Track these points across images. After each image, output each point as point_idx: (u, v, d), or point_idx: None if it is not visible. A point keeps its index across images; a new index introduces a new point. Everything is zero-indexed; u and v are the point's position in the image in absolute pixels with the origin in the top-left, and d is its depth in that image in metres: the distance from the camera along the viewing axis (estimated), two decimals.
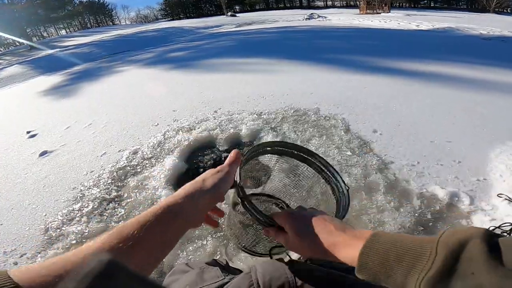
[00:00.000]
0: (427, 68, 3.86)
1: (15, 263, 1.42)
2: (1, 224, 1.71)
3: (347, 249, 0.34)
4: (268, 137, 2.18)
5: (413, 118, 2.42)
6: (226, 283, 0.48)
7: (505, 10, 28.09)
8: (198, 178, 0.45)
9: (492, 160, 1.83)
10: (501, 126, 2.22)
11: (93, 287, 0.17)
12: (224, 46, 6.98)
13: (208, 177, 0.45)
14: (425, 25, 9.62)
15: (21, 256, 1.45)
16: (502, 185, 1.61)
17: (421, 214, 1.46)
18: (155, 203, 1.68)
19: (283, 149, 0.58)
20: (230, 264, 0.72)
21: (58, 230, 1.58)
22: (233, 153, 0.49)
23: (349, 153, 1.98)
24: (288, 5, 47.25)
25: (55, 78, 6.17)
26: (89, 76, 5.68)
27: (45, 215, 1.72)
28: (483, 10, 26.02)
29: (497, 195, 1.53)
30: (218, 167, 0.47)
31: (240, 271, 0.62)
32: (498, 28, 8.66)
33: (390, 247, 0.30)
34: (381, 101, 2.80)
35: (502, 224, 1.32)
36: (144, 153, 2.18)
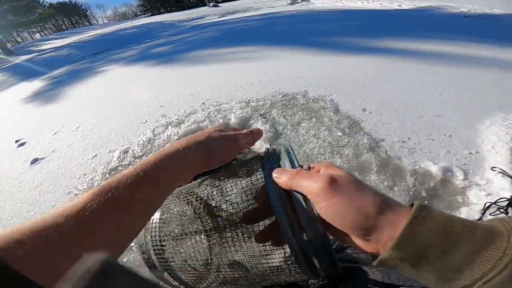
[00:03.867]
0: (413, 46, 3.88)
1: None
2: None
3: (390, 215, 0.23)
4: (257, 124, 2.17)
5: (401, 95, 2.44)
6: None
7: None
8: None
9: (483, 132, 1.83)
10: (489, 98, 2.25)
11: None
12: (208, 37, 6.84)
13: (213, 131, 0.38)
14: (406, 5, 9.57)
15: None
16: (495, 157, 1.60)
17: (416, 192, 1.44)
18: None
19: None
20: None
21: None
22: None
23: (339, 133, 1.99)
24: None
25: (37, 84, 6.01)
26: (71, 78, 5.54)
27: None
28: None
29: (491, 169, 1.50)
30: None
31: None
32: (478, 5, 8.69)
33: (453, 216, 0.21)
34: (369, 80, 2.81)
35: (498, 199, 1.29)
36: (135, 152, 2.17)
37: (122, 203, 0.28)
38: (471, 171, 1.53)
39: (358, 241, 0.25)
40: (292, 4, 15.03)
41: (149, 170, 0.30)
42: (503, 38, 4.12)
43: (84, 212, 0.26)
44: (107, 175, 2.00)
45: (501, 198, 1.29)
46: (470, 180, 1.47)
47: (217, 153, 0.36)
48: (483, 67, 2.94)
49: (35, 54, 12.72)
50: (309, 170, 0.30)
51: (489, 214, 1.25)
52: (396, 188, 1.49)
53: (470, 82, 2.57)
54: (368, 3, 11.51)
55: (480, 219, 1.25)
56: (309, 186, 0.26)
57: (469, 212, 1.32)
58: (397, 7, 9.32)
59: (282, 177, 0.29)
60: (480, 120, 1.96)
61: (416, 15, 7.21)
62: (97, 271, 0.16)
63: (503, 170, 1.47)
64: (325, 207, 0.25)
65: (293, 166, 0.30)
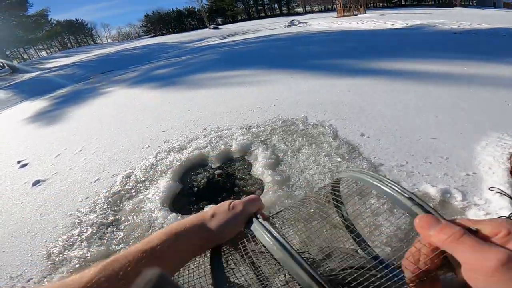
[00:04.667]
0: (407, 66, 4.02)
1: None
2: (3, 251, 1.73)
3: None
4: (258, 151, 2.22)
5: (398, 118, 2.49)
6: None
7: (470, 3, 29.37)
8: (209, 211, 0.42)
9: (479, 153, 1.85)
10: (483, 118, 2.28)
11: None
12: (209, 60, 7.05)
13: (218, 213, 0.41)
14: (399, 24, 10.03)
15: (28, 280, 1.49)
16: (492, 177, 1.62)
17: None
18: (152, 225, 1.72)
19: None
20: None
21: (61, 255, 1.60)
22: (252, 196, 0.44)
23: (339, 159, 2.02)
24: (269, 13, 48.37)
25: (40, 103, 6.12)
26: (75, 99, 5.65)
27: (45, 241, 1.74)
28: (450, 5, 27.16)
29: (489, 189, 1.51)
30: (233, 203, 0.43)
31: None
32: (467, 21, 9.08)
33: None
34: (366, 103, 2.88)
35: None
36: (138, 177, 2.19)
37: (126, 278, 0.31)
38: (469, 192, 1.54)
39: None
40: (290, 26, 15.64)
41: (153, 250, 0.35)
42: (492, 53, 4.29)
43: (92, 285, 0.29)
44: (110, 199, 2.01)
45: (500, 216, 1.30)
46: (469, 201, 1.48)
47: (214, 237, 0.40)
48: (476, 85, 3.02)
49: (40, 72, 12.98)
50: (475, 232, 0.24)
51: None
52: (396, 211, 1.49)
53: (464, 102, 2.64)
54: (362, 23, 12.00)
55: None
56: (476, 260, 0.21)
57: None
58: (390, 27, 9.72)
59: (436, 232, 0.25)
60: (476, 141, 1.99)
61: (409, 34, 7.49)
62: (155, 283, 0.19)
63: (500, 189, 1.48)
64: (487, 284, 0.21)
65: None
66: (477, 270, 0.21)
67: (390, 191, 0.34)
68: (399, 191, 0.34)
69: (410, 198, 0.32)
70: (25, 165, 2.93)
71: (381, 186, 0.36)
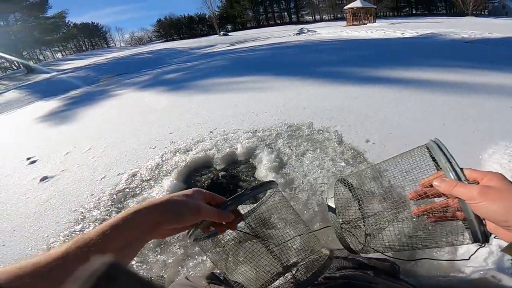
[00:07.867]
0: (416, 74, 3.98)
1: None
2: (3, 245, 1.75)
3: None
4: (263, 154, 2.22)
5: (404, 125, 2.47)
6: None
7: (482, 12, 29.07)
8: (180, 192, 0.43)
9: (486, 161, 1.83)
10: (491, 127, 2.25)
11: None
12: (218, 66, 7.16)
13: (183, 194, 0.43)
14: (409, 33, 9.98)
15: None
16: None
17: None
18: None
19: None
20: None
21: None
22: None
23: (343, 164, 2.02)
24: (278, 21, 48.94)
25: (53, 103, 6.29)
26: (87, 100, 5.79)
27: (47, 236, 1.76)
28: (462, 14, 26.96)
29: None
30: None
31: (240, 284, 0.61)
32: (478, 30, 8.98)
33: None
34: (372, 111, 2.86)
35: None
36: (143, 176, 2.22)
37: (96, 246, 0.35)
38: None
39: (501, 231, 0.35)
40: (299, 34, 15.78)
41: (108, 233, 0.36)
42: (503, 62, 4.21)
43: (59, 259, 0.33)
44: (115, 196, 2.04)
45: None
46: None
47: (170, 220, 0.40)
48: (486, 93, 2.97)
49: (55, 73, 13.38)
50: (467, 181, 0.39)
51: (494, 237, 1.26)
52: (399, 216, 1.50)
53: (472, 110, 2.60)
54: (371, 32, 11.99)
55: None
56: (466, 193, 0.36)
57: None
58: (400, 36, 9.67)
59: (442, 185, 0.40)
60: (483, 149, 1.95)
61: (419, 43, 7.42)
62: (104, 273, 0.18)
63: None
64: (476, 206, 0.35)
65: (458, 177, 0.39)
66: (470, 199, 0.35)
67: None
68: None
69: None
70: (34, 161, 3.00)
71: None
